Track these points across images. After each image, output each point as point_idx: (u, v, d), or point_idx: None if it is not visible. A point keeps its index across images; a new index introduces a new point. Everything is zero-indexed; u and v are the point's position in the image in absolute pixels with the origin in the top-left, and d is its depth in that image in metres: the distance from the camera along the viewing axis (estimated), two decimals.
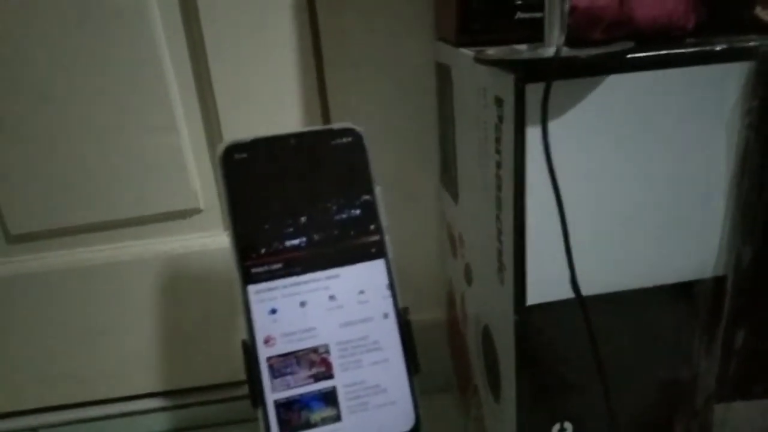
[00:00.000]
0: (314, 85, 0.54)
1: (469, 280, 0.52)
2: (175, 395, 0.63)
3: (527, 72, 0.34)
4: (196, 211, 0.58)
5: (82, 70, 0.51)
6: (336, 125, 0.31)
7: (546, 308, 0.40)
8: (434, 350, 0.64)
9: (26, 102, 0.52)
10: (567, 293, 0.37)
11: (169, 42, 0.52)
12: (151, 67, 0.52)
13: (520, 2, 0.43)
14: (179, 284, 0.59)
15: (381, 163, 0.58)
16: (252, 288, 0.30)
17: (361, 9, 0.52)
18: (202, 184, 0.57)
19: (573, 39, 0.36)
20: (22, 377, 0.61)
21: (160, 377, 0.62)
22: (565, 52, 0.34)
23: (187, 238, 0.59)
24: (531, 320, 0.40)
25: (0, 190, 0.55)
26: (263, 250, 0.30)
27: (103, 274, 0.58)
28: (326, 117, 0.56)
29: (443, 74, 0.51)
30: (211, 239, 0.59)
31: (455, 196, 0.53)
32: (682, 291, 0.40)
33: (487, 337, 0.48)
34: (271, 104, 0.54)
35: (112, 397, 0.63)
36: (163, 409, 0.63)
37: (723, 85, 0.36)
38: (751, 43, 0.35)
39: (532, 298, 0.39)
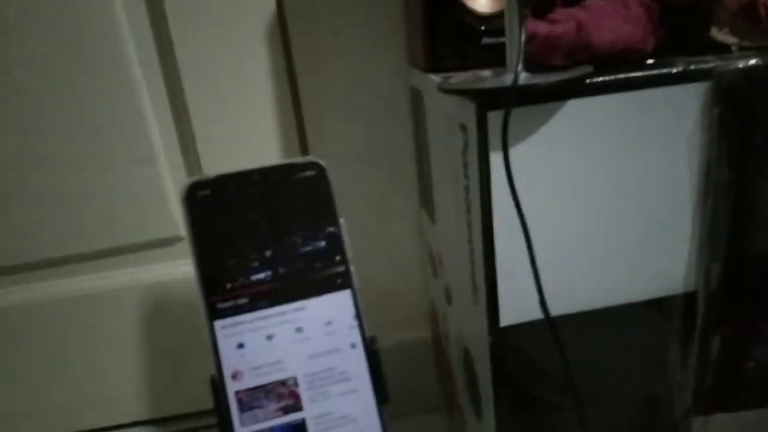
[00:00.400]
0: (291, 113, 0.55)
1: (449, 300, 0.52)
2: (162, 423, 0.63)
3: (488, 100, 0.34)
4: (178, 239, 0.58)
5: (60, 104, 0.52)
6: (299, 159, 0.32)
7: (520, 329, 0.40)
8: (421, 370, 0.65)
9: (7, 136, 0.53)
10: (541, 313, 0.37)
11: (145, 76, 0.53)
12: (128, 101, 0.53)
13: (484, 28, 0.44)
14: (164, 311, 0.60)
15: (362, 185, 0.60)
16: (218, 323, 0.30)
17: (335, 36, 0.53)
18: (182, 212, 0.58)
19: (534, 65, 0.37)
20: (8, 411, 0.61)
21: (146, 405, 0.62)
22: (525, 78, 0.35)
23: (170, 266, 0.59)
24: (506, 341, 0.40)
25: None
26: (229, 285, 0.30)
27: (88, 303, 0.59)
28: (304, 144, 0.56)
29: (416, 99, 0.52)
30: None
31: (433, 217, 0.53)
32: (655, 307, 0.41)
33: (467, 356, 0.48)
34: (249, 133, 0.55)
35: (98, 427, 0.63)
36: None
37: (682, 105, 0.37)
38: (708, 65, 0.36)
39: (506, 319, 0.40)
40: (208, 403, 0.62)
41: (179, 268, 0.59)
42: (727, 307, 0.41)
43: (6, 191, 0.54)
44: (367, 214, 0.59)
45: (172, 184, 0.56)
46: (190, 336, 0.60)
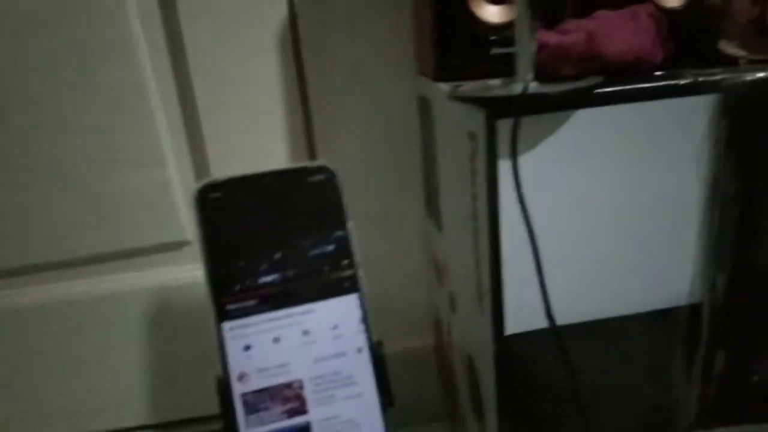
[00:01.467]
0: (300, 118, 0.56)
1: (453, 308, 0.52)
2: (166, 427, 0.63)
3: (497, 108, 0.35)
4: (185, 243, 0.59)
5: (70, 105, 0.52)
6: (309, 163, 0.32)
7: (526, 337, 0.40)
8: (423, 378, 0.65)
9: (13, 136, 0.53)
10: (546, 322, 0.37)
11: (156, 79, 0.53)
12: (139, 103, 0.53)
13: (495, 38, 0.44)
14: (169, 316, 0.60)
15: (368, 192, 0.60)
16: (227, 325, 0.30)
17: (344, 45, 0.54)
18: (190, 216, 0.58)
19: (544, 74, 0.37)
20: (12, 413, 0.61)
21: (150, 410, 0.62)
22: (534, 88, 0.35)
23: (176, 270, 0.60)
24: (511, 349, 0.40)
25: None
26: (238, 287, 0.30)
27: (93, 307, 0.59)
28: (312, 150, 0.57)
29: (425, 107, 0.52)
30: (201, 271, 0.59)
31: (439, 225, 0.54)
32: (660, 318, 0.41)
33: (471, 365, 0.48)
34: (258, 138, 0.55)
35: (102, 430, 0.63)
36: None
37: (690, 117, 0.37)
38: (716, 77, 0.36)
39: (512, 327, 0.40)
40: (211, 408, 0.62)
41: (185, 273, 0.59)
42: (732, 320, 0.40)
43: (13, 192, 0.54)
44: (373, 220, 0.60)
45: (181, 188, 0.57)
46: (195, 340, 0.60)
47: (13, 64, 0.51)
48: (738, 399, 0.43)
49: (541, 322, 0.38)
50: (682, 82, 0.36)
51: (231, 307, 0.30)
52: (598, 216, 0.38)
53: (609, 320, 0.41)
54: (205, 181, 0.31)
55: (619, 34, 0.38)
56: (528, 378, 0.41)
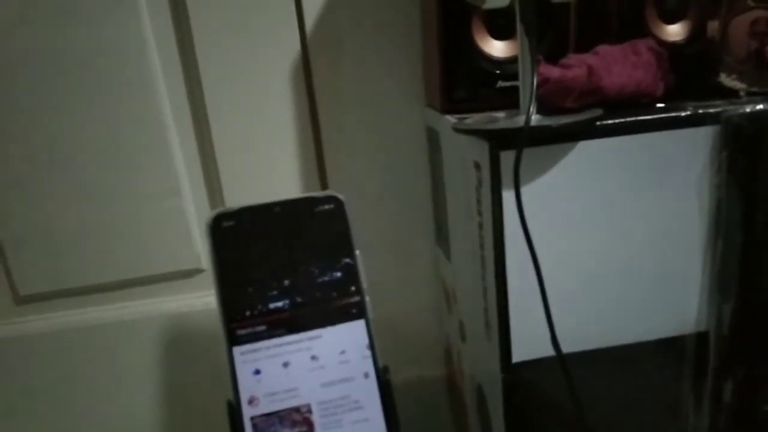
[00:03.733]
0: (312, 150, 0.57)
1: (463, 337, 0.53)
2: None
3: (500, 140, 0.36)
4: (199, 271, 0.60)
5: (91, 137, 0.54)
6: (318, 193, 0.34)
7: (533, 365, 0.40)
8: (435, 408, 0.65)
9: (37, 167, 0.55)
10: (553, 350, 0.38)
11: (173, 111, 0.55)
12: (156, 135, 0.55)
13: (500, 72, 0.45)
14: (183, 342, 0.61)
15: (379, 221, 0.61)
16: (237, 349, 0.31)
17: (355, 78, 0.55)
18: (204, 245, 0.59)
19: (546, 107, 0.38)
20: None
21: None
22: (537, 120, 0.36)
23: (190, 298, 0.61)
24: (519, 377, 0.40)
25: (9, 251, 0.57)
26: (248, 313, 0.31)
27: (109, 333, 0.60)
28: (323, 180, 0.58)
29: (433, 138, 0.53)
30: (213, 298, 0.60)
31: (448, 254, 0.54)
32: (667, 347, 0.41)
33: (480, 394, 0.48)
34: (271, 169, 0.57)
35: None
36: None
37: (692, 147, 0.38)
38: (716, 109, 0.37)
39: (519, 355, 0.40)
40: (223, 431, 0.62)
41: (199, 300, 0.60)
42: (739, 348, 0.41)
43: (33, 222, 0.56)
44: (384, 249, 0.61)
45: (196, 217, 0.58)
46: (208, 365, 0.61)
47: (38, 102, 0.53)
48: (748, 429, 0.42)
49: (548, 350, 0.38)
50: (683, 114, 0.37)
51: (241, 332, 0.31)
52: (602, 245, 0.39)
53: (616, 348, 0.41)
54: (218, 210, 0.33)
55: (620, 68, 0.39)
56: (536, 405, 0.41)
